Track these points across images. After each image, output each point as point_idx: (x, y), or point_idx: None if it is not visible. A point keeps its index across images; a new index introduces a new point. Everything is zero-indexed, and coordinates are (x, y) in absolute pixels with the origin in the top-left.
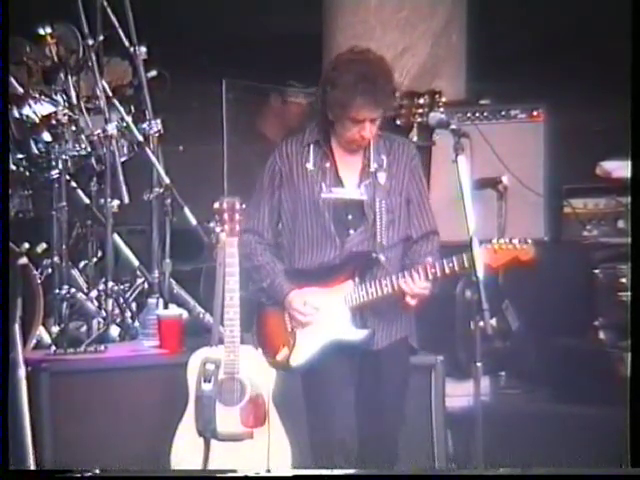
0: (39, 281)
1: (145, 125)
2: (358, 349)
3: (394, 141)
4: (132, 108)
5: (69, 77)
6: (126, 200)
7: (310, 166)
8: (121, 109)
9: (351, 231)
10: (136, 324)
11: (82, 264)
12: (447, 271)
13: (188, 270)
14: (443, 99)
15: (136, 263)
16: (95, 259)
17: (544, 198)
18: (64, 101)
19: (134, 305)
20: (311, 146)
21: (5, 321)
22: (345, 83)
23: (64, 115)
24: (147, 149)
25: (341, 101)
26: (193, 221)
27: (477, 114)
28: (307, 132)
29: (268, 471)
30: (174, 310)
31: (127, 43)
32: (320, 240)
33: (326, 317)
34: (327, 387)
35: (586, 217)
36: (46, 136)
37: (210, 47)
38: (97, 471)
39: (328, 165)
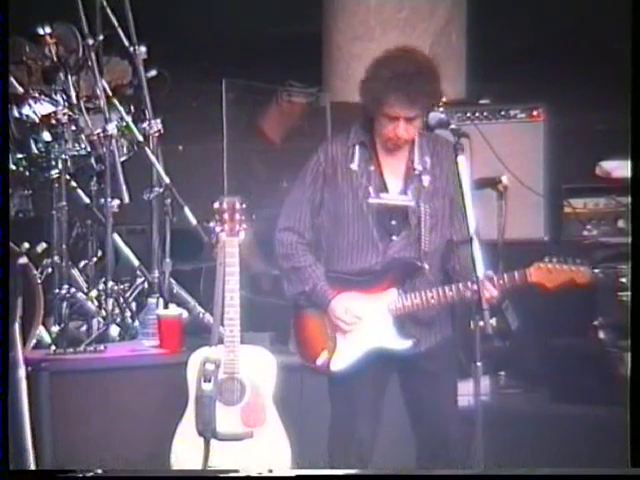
0: (39, 281)
1: (145, 125)
2: (401, 357)
3: (437, 141)
4: (132, 108)
5: (69, 77)
6: (126, 200)
7: (354, 167)
8: (121, 109)
9: (394, 237)
10: (136, 324)
11: (82, 264)
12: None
13: (188, 270)
14: (443, 99)
15: (136, 263)
16: (95, 259)
17: (544, 198)
18: (64, 101)
19: (134, 305)
20: (356, 147)
21: (5, 321)
22: (380, 77)
23: (64, 115)
24: (147, 149)
25: (374, 95)
26: (193, 221)
27: (477, 114)
28: (352, 132)
29: (270, 471)
30: (174, 310)
31: (127, 43)
32: (361, 245)
33: (368, 324)
34: (364, 392)
35: (586, 217)
36: (46, 136)
37: (210, 47)
38: (99, 471)
39: (373, 168)
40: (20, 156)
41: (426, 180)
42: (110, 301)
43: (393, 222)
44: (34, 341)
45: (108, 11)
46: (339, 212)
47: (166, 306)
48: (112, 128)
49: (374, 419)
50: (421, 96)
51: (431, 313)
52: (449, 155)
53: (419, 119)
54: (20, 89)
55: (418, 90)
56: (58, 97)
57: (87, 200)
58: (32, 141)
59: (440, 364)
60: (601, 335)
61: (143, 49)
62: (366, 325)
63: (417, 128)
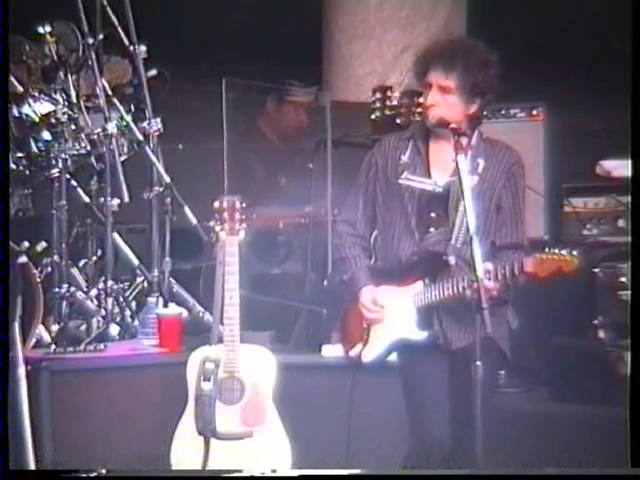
0: (39, 280)
1: (145, 124)
2: (427, 348)
3: (496, 145)
4: (132, 107)
5: (69, 76)
6: (126, 199)
7: (405, 159)
8: (121, 108)
9: (431, 229)
10: (136, 323)
11: (82, 263)
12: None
13: (188, 269)
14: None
15: (136, 262)
16: (95, 258)
17: (544, 197)
18: (64, 100)
19: (134, 304)
20: (410, 141)
21: (5, 320)
22: (423, 50)
23: (64, 114)
24: (147, 148)
25: (416, 65)
26: (193, 220)
27: None
28: (411, 129)
29: (273, 471)
30: (174, 309)
31: (127, 42)
32: (401, 234)
33: (396, 316)
34: (420, 389)
35: (586, 216)
36: (46, 135)
37: (210, 47)
38: (103, 471)
39: (420, 161)
40: (20, 155)
41: (472, 180)
42: (110, 300)
43: (432, 214)
44: (34, 340)
45: (108, 10)
46: (387, 203)
47: (166, 305)
48: (112, 127)
49: (442, 416)
50: (462, 66)
51: (469, 308)
52: (505, 160)
53: (455, 95)
54: (20, 88)
55: (458, 60)
56: (58, 96)
57: (87, 199)
58: (32, 140)
59: (467, 364)
60: (601, 334)
61: (143, 48)
62: (394, 316)
63: (453, 107)
